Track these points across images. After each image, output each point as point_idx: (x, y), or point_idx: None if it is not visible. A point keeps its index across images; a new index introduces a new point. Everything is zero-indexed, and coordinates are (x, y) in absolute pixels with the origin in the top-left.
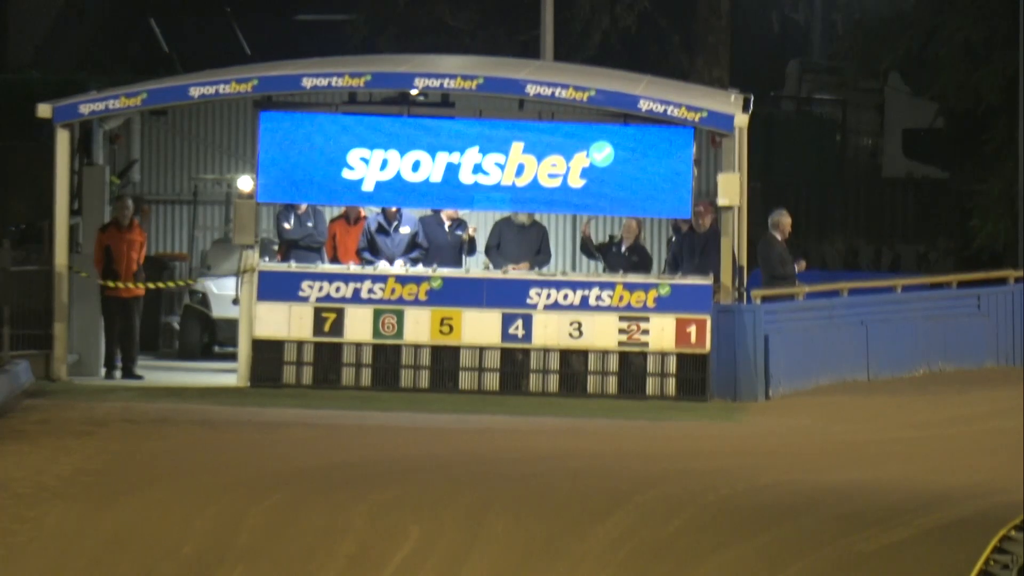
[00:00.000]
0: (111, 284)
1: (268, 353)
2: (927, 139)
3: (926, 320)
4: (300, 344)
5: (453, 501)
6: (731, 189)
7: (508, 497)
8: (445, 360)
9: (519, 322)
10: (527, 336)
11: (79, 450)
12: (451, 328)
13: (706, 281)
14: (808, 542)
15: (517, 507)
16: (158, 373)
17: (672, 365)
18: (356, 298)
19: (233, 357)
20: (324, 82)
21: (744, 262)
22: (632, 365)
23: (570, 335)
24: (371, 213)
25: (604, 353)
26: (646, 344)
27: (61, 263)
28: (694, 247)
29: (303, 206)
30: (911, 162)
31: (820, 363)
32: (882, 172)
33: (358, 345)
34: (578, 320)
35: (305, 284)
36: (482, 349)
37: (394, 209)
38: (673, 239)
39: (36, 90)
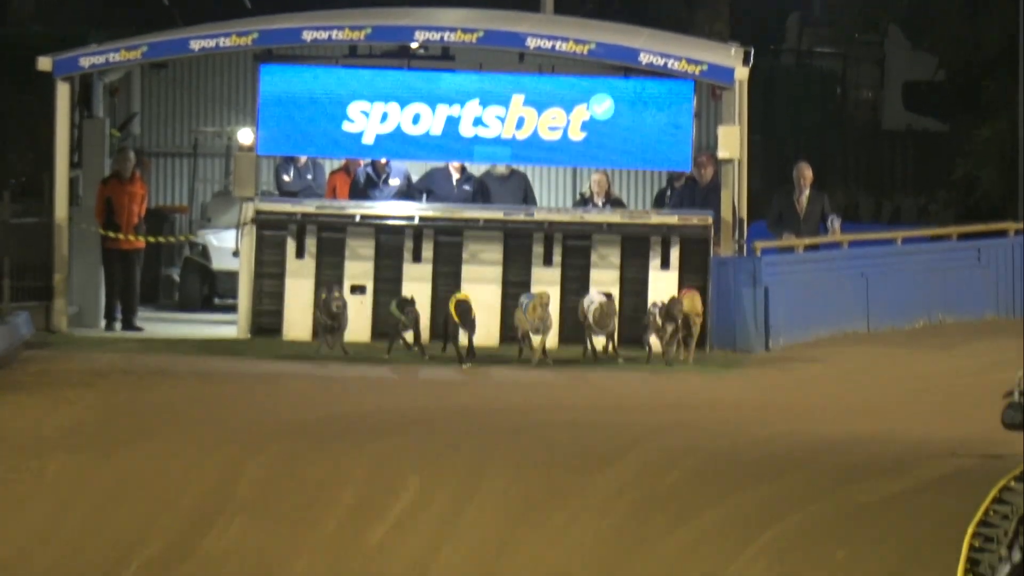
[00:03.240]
0: (112, 236)
1: (268, 304)
2: (927, 92)
3: (926, 272)
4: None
5: (453, 453)
6: (731, 142)
7: (508, 449)
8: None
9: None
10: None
11: (79, 401)
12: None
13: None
14: (808, 493)
15: (517, 459)
16: (158, 325)
17: None
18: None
19: (233, 309)
20: (324, 35)
21: (744, 214)
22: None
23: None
24: (359, 166)
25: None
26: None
27: (61, 216)
28: (695, 199)
29: (303, 159)
30: (911, 115)
31: (820, 315)
32: (882, 125)
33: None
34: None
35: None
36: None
37: (383, 161)
38: (669, 193)
39: (37, 44)
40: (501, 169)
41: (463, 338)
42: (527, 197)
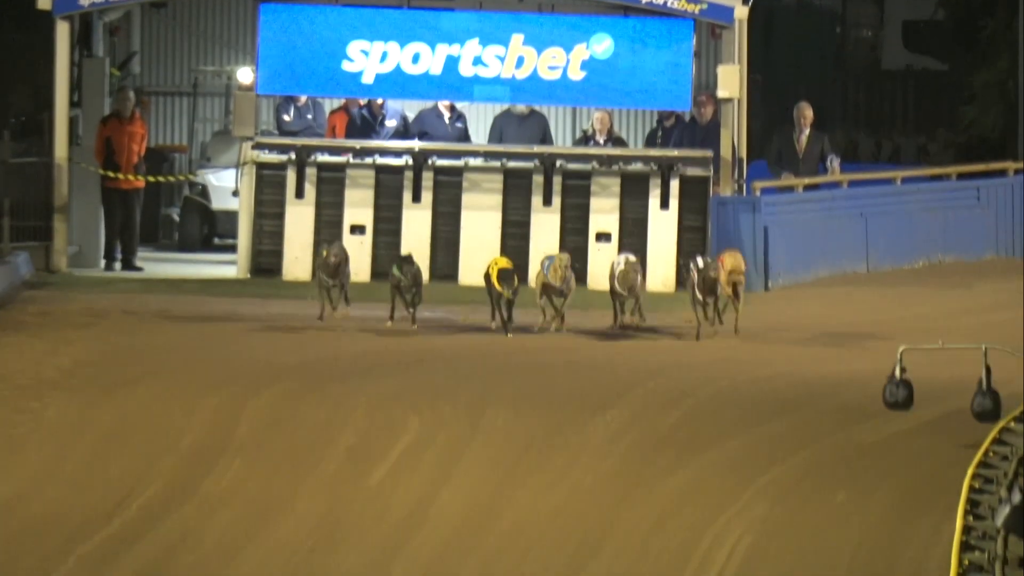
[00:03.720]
0: (112, 176)
1: (268, 244)
2: (927, 31)
3: (926, 212)
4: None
5: (452, 394)
6: (731, 81)
7: (507, 390)
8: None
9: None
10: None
11: (79, 342)
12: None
13: (705, 172)
14: (809, 433)
15: (516, 400)
16: (158, 265)
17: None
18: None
19: (232, 249)
20: None
21: (744, 154)
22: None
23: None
24: (355, 107)
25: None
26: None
27: (61, 155)
28: (694, 139)
29: (303, 98)
30: (911, 54)
31: (819, 255)
32: (881, 64)
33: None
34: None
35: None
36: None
37: (379, 103)
38: (659, 133)
39: None
40: (521, 109)
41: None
42: (545, 139)
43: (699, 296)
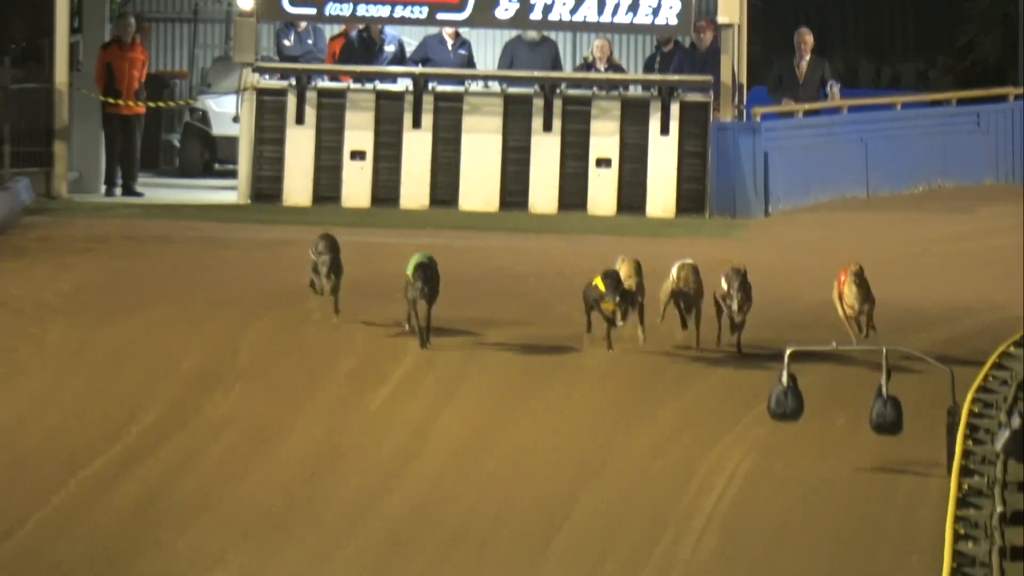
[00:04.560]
0: (112, 102)
1: (268, 170)
2: None
3: (925, 137)
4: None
5: (452, 319)
6: (731, 7)
7: (507, 314)
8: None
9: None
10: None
11: (80, 267)
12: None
13: (706, 98)
14: (812, 356)
15: (516, 326)
16: (158, 191)
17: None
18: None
19: (233, 175)
20: None
21: (744, 80)
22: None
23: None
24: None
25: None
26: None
27: (62, 81)
28: (693, 66)
29: (303, 24)
30: None
31: (819, 180)
32: None
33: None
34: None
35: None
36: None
37: (377, 29)
38: (658, 59)
39: None
40: (532, 35)
41: (624, 315)
42: (555, 66)
43: (733, 307)
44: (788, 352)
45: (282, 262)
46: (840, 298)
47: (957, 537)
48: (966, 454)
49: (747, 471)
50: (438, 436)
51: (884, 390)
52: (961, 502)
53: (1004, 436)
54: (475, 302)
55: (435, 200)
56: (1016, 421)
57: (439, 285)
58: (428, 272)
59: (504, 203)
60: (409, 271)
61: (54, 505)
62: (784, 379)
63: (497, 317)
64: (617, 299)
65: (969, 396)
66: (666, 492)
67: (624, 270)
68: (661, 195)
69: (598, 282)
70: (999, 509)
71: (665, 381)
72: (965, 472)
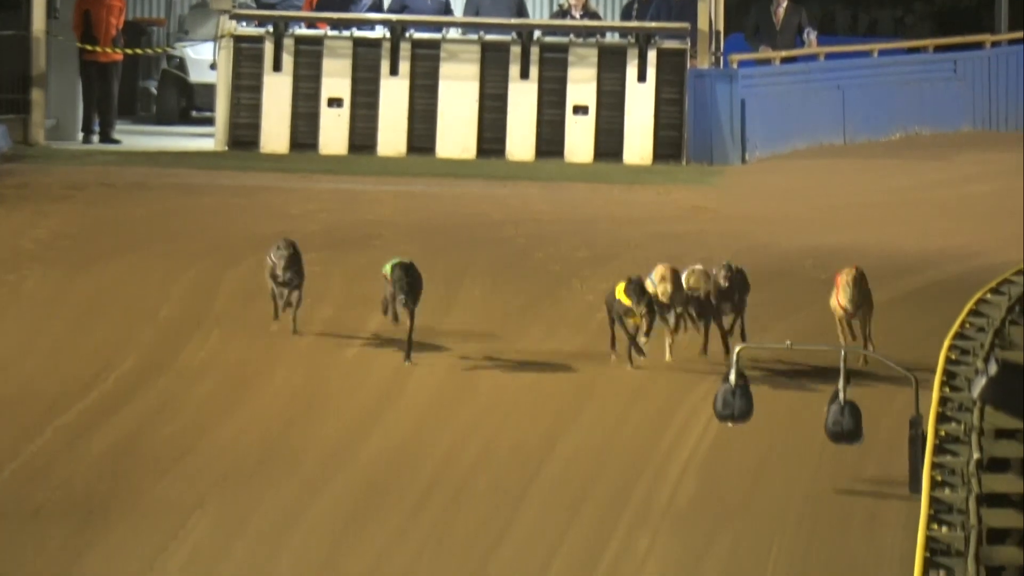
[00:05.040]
0: (90, 49)
1: (245, 117)
2: None
3: (902, 85)
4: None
5: (430, 265)
6: None
7: (485, 262)
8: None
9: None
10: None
11: (57, 214)
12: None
13: (682, 45)
14: (789, 304)
15: (494, 272)
16: (136, 138)
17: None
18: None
19: (210, 122)
20: None
21: (721, 27)
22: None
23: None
24: None
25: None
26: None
27: (39, 28)
28: (670, 14)
29: None
30: None
31: (796, 127)
32: None
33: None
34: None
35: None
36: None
37: None
38: (635, 7)
39: None
40: None
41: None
42: (520, 14)
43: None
44: (738, 349)
45: (259, 209)
46: (837, 300)
47: (934, 484)
48: (943, 401)
49: None
50: (416, 384)
51: (841, 395)
52: (938, 449)
53: (981, 383)
54: (452, 249)
55: (412, 147)
56: (992, 368)
57: (420, 289)
58: (409, 276)
59: (481, 150)
60: (387, 270)
61: (31, 453)
62: (732, 378)
63: (474, 264)
64: (643, 310)
65: (946, 343)
66: (644, 438)
67: (659, 274)
68: (638, 142)
69: (620, 293)
70: (976, 456)
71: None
72: (942, 419)
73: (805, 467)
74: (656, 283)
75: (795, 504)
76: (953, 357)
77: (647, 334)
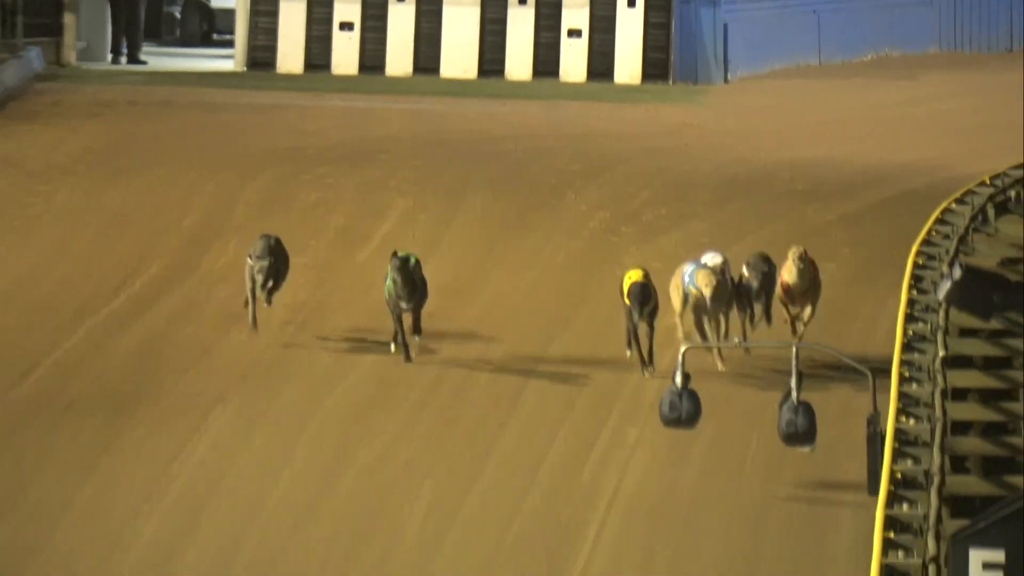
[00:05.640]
0: None
1: (263, 39)
2: None
3: (874, 8)
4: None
5: (434, 178)
6: None
7: (485, 174)
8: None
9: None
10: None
11: (87, 130)
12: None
13: None
14: (768, 213)
15: (493, 183)
16: (160, 59)
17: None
18: None
19: (230, 44)
20: None
21: None
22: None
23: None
24: None
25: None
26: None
27: None
28: None
29: None
30: None
31: (775, 49)
32: None
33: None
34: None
35: None
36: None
37: None
38: None
39: None
40: None
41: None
42: None
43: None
44: (683, 351)
45: (276, 125)
46: (781, 285)
47: (902, 380)
48: (910, 303)
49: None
50: None
51: (795, 395)
52: (906, 347)
53: (946, 286)
54: (455, 163)
55: (418, 68)
56: (957, 272)
57: (425, 289)
58: (409, 276)
59: (482, 71)
60: (387, 280)
61: (64, 351)
62: (678, 380)
63: (475, 176)
64: (644, 320)
65: (913, 249)
66: None
67: (702, 279)
68: (628, 63)
69: (627, 285)
70: (941, 353)
71: (632, 233)
72: (909, 319)
73: (757, 469)
74: (702, 287)
75: (744, 507)
76: (920, 262)
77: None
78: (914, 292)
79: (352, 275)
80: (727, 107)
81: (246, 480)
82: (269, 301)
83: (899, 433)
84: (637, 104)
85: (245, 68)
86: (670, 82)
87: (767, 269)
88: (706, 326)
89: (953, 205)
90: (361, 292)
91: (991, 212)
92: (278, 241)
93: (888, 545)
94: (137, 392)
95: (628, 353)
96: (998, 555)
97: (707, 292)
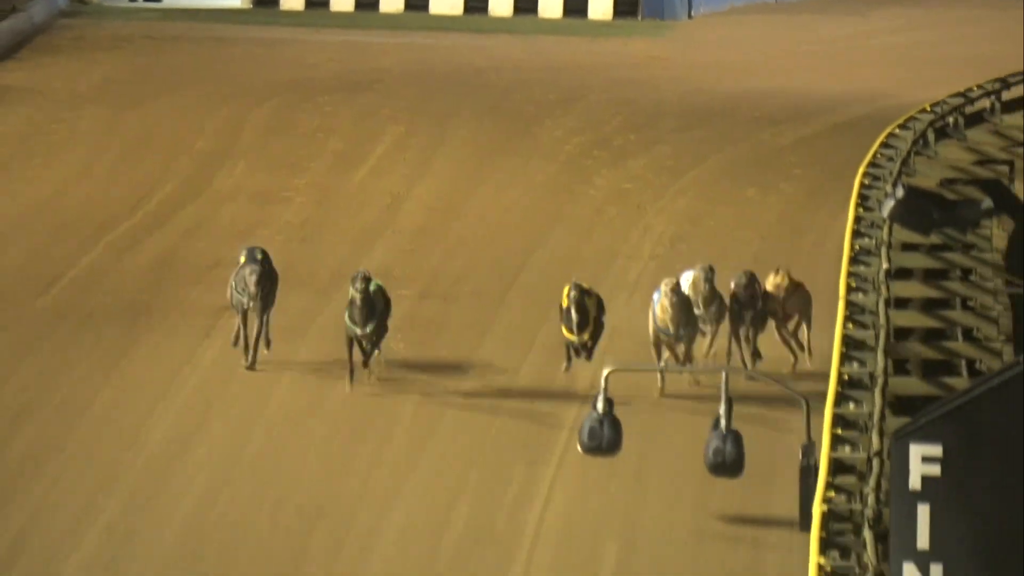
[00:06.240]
0: None
1: None
2: None
3: None
4: None
5: (424, 107)
6: None
7: (471, 103)
8: None
9: None
10: None
11: (108, 62)
12: None
13: None
14: (725, 139)
15: (478, 111)
16: None
17: None
18: None
19: None
20: None
21: None
22: None
23: None
24: None
25: None
26: None
27: None
28: None
29: None
30: None
31: None
32: None
33: None
34: None
35: None
36: None
37: None
38: None
39: None
40: None
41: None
42: None
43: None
44: (605, 374)
45: (280, 58)
46: (771, 309)
47: (849, 289)
48: (857, 220)
49: (672, 235)
50: (412, 206)
51: (723, 422)
52: (853, 260)
53: (889, 204)
54: (443, 93)
55: (409, 5)
56: (899, 191)
57: (386, 314)
58: (370, 300)
59: (467, 7)
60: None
61: (86, 264)
62: (600, 405)
63: (462, 105)
64: (585, 337)
65: (860, 170)
66: (605, 250)
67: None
68: (600, 1)
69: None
70: (885, 266)
71: (605, 156)
72: (856, 235)
73: (685, 500)
74: (662, 309)
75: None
76: (866, 183)
77: (585, 354)
78: (860, 210)
79: (349, 194)
80: (691, 41)
81: (252, 381)
82: (268, 346)
83: (846, 338)
84: (609, 38)
85: (251, 5)
86: (639, 18)
87: (748, 284)
88: (668, 350)
89: (897, 130)
90: (356, 210)
91: (931, 137)
92: (264, 254)
93: (836, 441)
94: (152, 302)
95: (564, 367)
96: (936, 449)
97: (661, 317)
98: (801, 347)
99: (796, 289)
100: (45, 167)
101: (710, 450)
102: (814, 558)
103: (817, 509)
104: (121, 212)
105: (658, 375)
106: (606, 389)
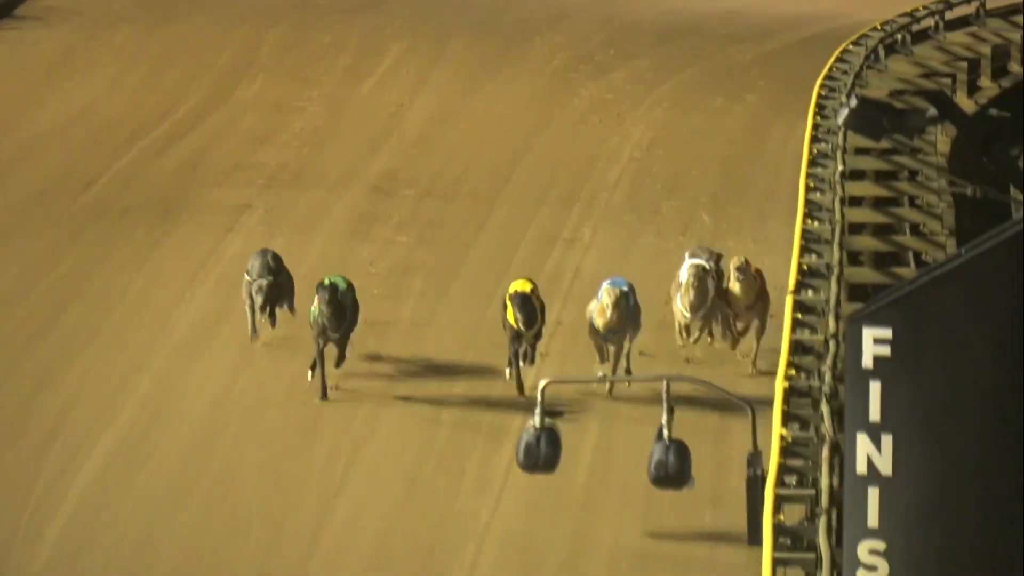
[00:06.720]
0: None
1: None
2: None
3: None
4: None
5: (424, 24)
6: None
7: (467, 22)
8: None
9: None
10: None
11: None
12: None
13: None
14: (695, 54)
15: (473, 28)
16: None
17: None
18: None
19: None
20: None
21: None
22: None
23: None
24: None
25: None
26: None
27: None
28: None
29: None
30: None
31: None
32: None
33: None
34: None
35: None
36: None
37: None
38: None
39: None
40: None
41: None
42: None
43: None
44: (542, 386)
45: None
46: (726, 296)
47: (808, 189)
48: (815, 127)
49: (649, 140)
50: (415, 114)
51: (666, 432)
52: (811, 163)
53: (844, 113)
54: (440, 12)
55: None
56: (853, 101)
57: (356, 314)
58: (338, 306)
59: None
60: (314, 306)
61: (120, 167)
62: (537, 420)
63: (458, 24)
64: (530, 336)
65: (818, 82)
66: (588, 153)
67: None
68: None
69: (509, 306)
70: (840, 168)
71: (588, 69)
72: (814, 140)
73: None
74: (599, 311)
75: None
76: (823, 94)
77: (528, 358)
78: (818, 118)
79: (358, 104)
80: None
81: None
82: (273, 323)
83: (805, 232)
84: None
85: None
86: None
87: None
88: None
89: (850, 47)
90: (364, 118)
91: (882, 52)
92: (276, 257)
93: (796, 324)
94: (180, 200)
95: (507, 373)
96: (886, 332)
97: (598, 321)
98: (743, 334)
99: (759, 298)
100: (83, 79)
101: (652, 462)
102: (777, 430)
103: (779, 386)
104: (151, 120)
105: (603, 378)
106: (542, 402)
